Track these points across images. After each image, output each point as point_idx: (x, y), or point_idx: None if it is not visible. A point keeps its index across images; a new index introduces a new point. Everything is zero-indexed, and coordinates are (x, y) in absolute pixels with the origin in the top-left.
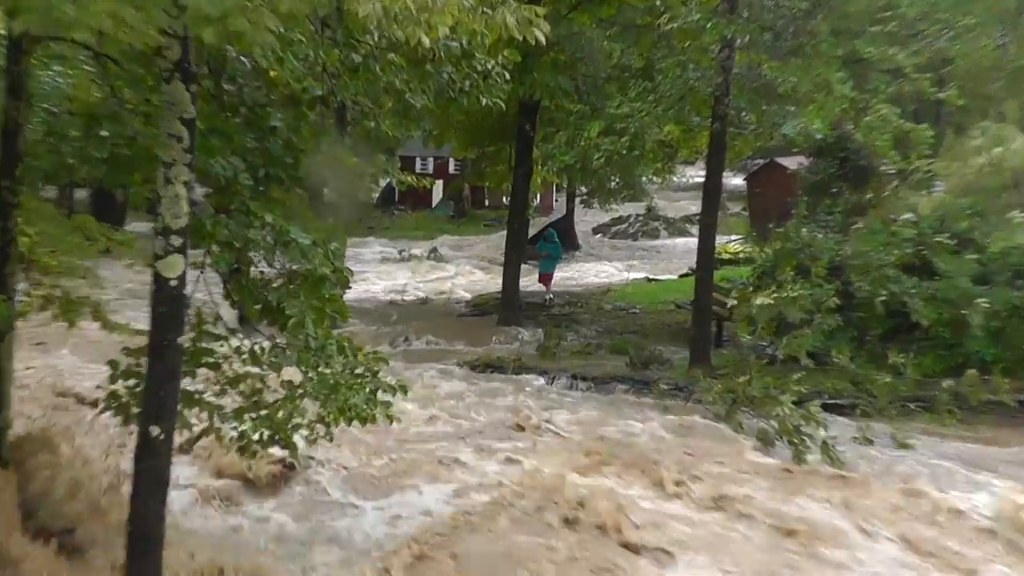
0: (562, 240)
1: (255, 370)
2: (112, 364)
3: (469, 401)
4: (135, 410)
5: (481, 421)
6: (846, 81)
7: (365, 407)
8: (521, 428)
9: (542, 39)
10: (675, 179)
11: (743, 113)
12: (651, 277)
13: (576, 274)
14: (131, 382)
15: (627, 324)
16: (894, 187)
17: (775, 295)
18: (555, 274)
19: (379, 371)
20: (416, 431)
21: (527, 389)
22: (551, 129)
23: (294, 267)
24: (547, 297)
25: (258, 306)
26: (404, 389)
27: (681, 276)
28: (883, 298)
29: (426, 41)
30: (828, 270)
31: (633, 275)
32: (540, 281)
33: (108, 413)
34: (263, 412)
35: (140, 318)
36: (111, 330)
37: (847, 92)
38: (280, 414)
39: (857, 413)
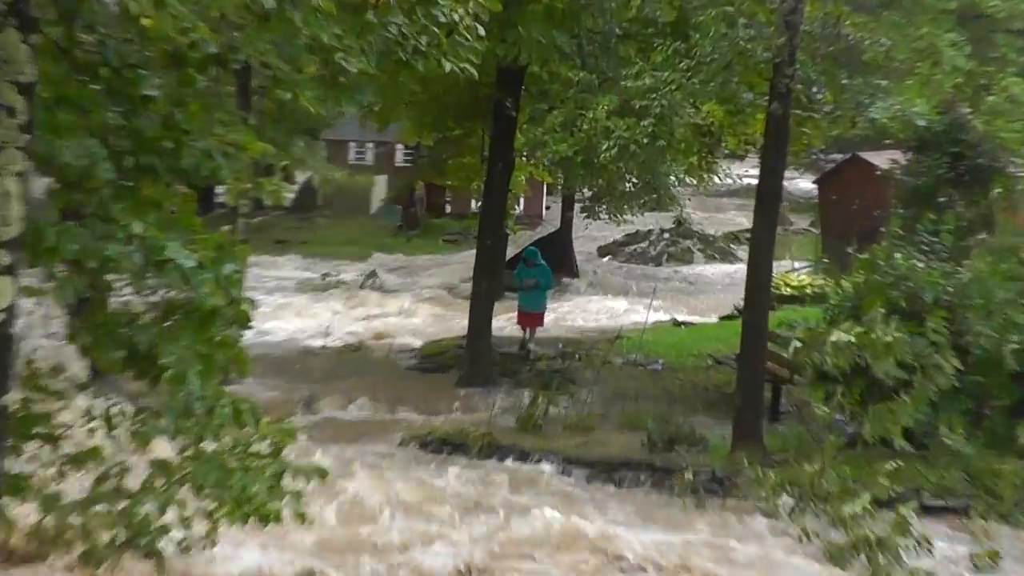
0: (553, 263)
1: (110, 444)
2: None
3: (411, 497)
4: None
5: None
6: (962, 46)
7: (268, 499)
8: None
9: None
10: (717, 180)
11: (815, 89)
12: (680, 320)
13: (573, 313)
14: None
15: (645, 386)
16: None
17: (858, 331)
18: (546, 313)
19: (283, 448)
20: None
21: (494, 479)
22: (542, 107)
23: (172, 297)
24: (528, 348)
25: (119, 352)
26: (323, 473)
27: (723, 319)
28: (1012, 351)
29: None
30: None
31: (655, 316)
32: (521, 323)
33: None
34: (120, 505)
35: None
36: None
37: (962, 62)
38: (144, 508)
39: (973, 518)
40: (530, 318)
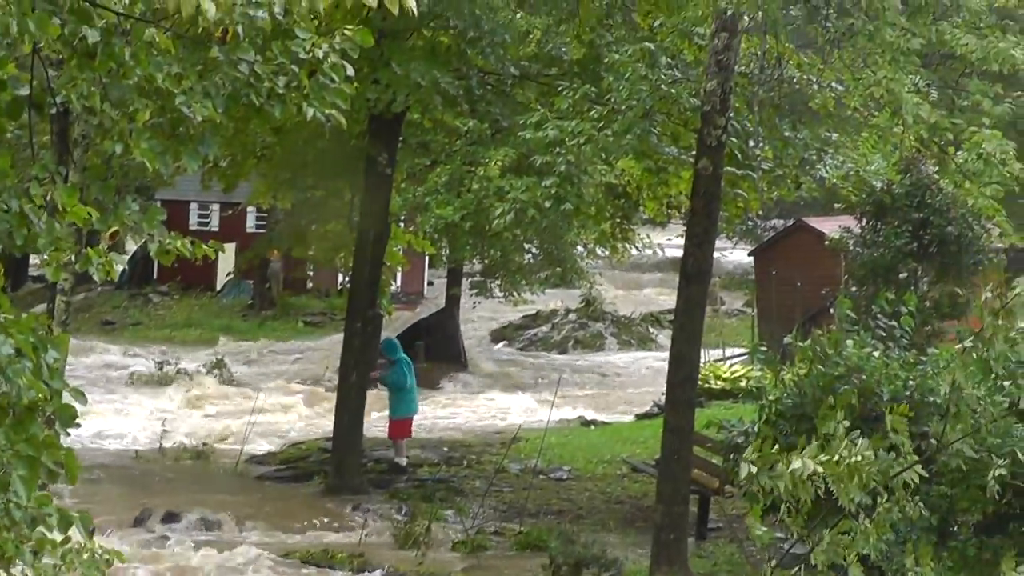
0: (437, 351)
1: None
2: None
3: None
4: None
5: None
6: (926, 93)
7: None
8: None
9: (412, 6)
10: (634, 251)
11: (752, 143)
12: (589, 418)
13: (461, 410)
14: None
15: (547, 499)
16: (1009, 275)
17: (822, 458)
18: (413, 418)
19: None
20: None
21: None
22: (422, 162)
23: None
24: (397, 460)
25: None
26: None
27: (640, 417)
28: (1001, 471)
29: (211, 9)
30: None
31: (559, 414)
32: (400, 435)
33: None
34: None
35: None
36: None
37: (926, 112)
38: None
39: None
40: (407, 425)
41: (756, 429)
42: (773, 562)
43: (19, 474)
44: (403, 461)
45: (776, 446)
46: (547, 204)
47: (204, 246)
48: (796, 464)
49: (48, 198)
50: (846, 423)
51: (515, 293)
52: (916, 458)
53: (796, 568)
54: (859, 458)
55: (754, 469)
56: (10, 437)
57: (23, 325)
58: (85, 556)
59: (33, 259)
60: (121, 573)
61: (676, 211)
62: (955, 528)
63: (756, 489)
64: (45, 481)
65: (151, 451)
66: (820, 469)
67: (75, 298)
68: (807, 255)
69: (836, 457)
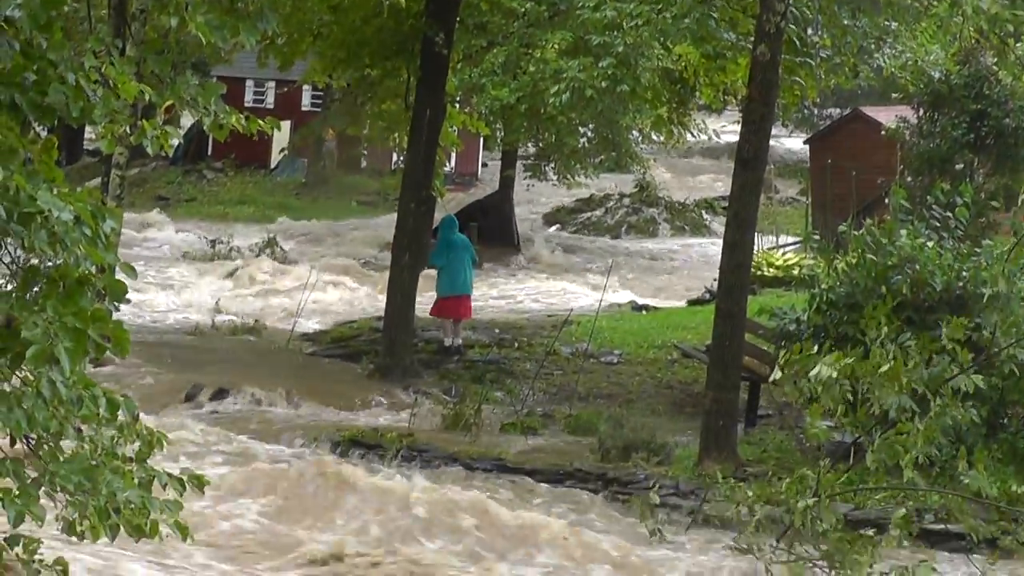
0: (490, 233)
1: None
2: None
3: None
4: None
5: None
6: None
7: (143, 508)
8: None
9: None
10: (689, 137)
11: (810, 30)
12: (641, 303)
13: (513, 292)
14: None
15: (598, 382)
16: None
17: (849, 359)
18: (472, 296)
19: (151, 452)
20: None
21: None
22: (479, 43)
23: (35, 261)
24: (452, 342)
25: None
26: (200, 482)
27: (692, 303)
28: None
29: None
30: (945, 303)
31: (612, 298)
32: (436, 312)
33: None
34: None
35: None
36: None
37: (987, 3)
38: None
39: (985, 549)
40: (451, 305)
41: (807, 317)
42: (827, 457)
43: (64, 346)
44: (448, 341)
45: (825, 338)
46: (603, 85)
47: (259, 122)
48: (816, 370)
49: (103, 71)
50: (885, 327)
51: (569, 176)
52: (970, 362)
53: (846, 460)
54: (886, 367)
55: (785, 372)
56: (58, 310)
57: (78, 197)
58: (126, 436)
59: (88, 133)
60: (171, 448)
61: (732, 98)
62: (1005, 420)
63: (789, 391)
64: (94, 355)
65: (203, 328)
66: (836, 374)
67: (129, 173)
68: (863, 144)
69: (873, 364)
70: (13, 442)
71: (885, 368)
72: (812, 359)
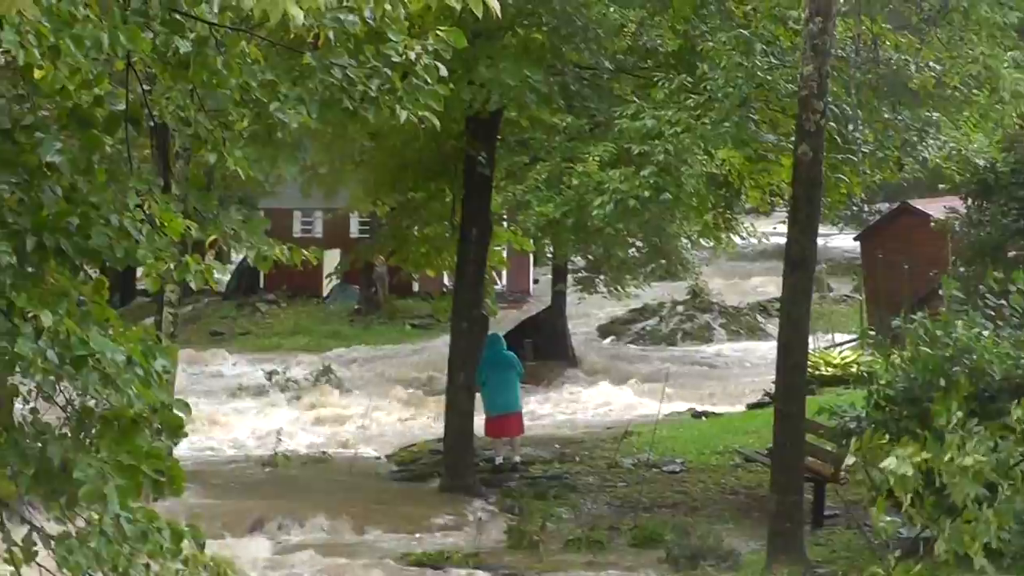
0: (545, 348)
1: None
2: None
3: None
4: None
5: None
6: None
7: None
8: None
9: (496, 7)
10: (738, 241)
11: (851, 126)
12: (700, 410)
13: (571, 407)
14: None
15: (661, 492)
16: None
17: (923, 453)
18: (523, 413)
19: None
20: None
21: None
22: (521, 160)
23: (89, 403)
24: (510, 460)
25: (29, 470)
26: None
27: (752, 407)
28: None
29: (298, 15)
30: (1006, 391)
31: (670, 406)
32: (489, 432)
33: None
34: None
35: None
36: None
37: None
38: None
39: None
40: (498, 423)
41: (866, 414)
42: (897, 552)
43: (115, 485)
44: (499, 460)
45: (887, 432)
46: (645, 194)
47: (302, 252)
48: (892, 464)
49: (147, 210)
50: (959, 413)
51: (620, 288)
52: None
53: (917, 555)
54: (970, 460)
55: (857, 459)
56: (113, 449)
57: (131, 336)
58: (200, 567)
59: (139, 273)
60: None
61: (779, 198)
62: None
63: (862, 481)
64: (151, 493)
65: (264, 459)
66: (909, 472)
67: (183, 310)
68: (913, 237)
69: (949, 455)
70: None
71: (968, 461)
72: (883, 447)
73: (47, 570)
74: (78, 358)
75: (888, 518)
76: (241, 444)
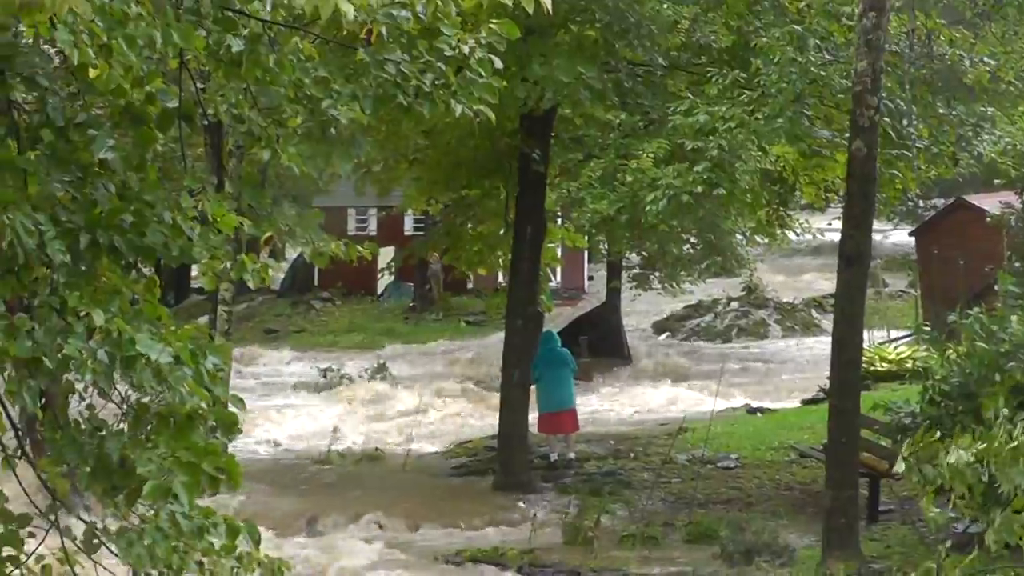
0: (600, 345)
1: None
2: None
3: None
4: None
5: None
6: None
7: None
8: None
9: (548, 4)
10: (792, 237)
11: (906, 121)
12: (755, 406)
13: (626, 404)
14: None
15: (716, 488)
16: None
17: (980, 446)
18: (577, 409)
19: None
20: None
21: None
22: (576, 157)
23: (144, 400)
24: (565, 456)
25: (87, 467)
26: None
27: (806, 403)
28: None
29: (350, 11)
30: None
31: (725, 402)
32: (542, 429)
33: None
34: None
35: None
36: None
37: None
38: None
39: None
40: (552, 420)
41: (921, 409)
42: (948, 543)
43: (180, 481)
44: (553, 456)
45: (940, 429)
46: (699, 190)
47: (358, 247)
48: (952, 458)
49: (200, 208)
50: (1005, 410)
51: (674, 284)
52: None
53: (970, 549)
54: (1018, 445)
55: (908, 462)
56: (171, 445)
57: (183, 335)
58: (255, 564)
59: (194, 271)
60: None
61: (834, 194)
62: None
63: (917, 480)
64: (207, 489)
65: (318, 456)
66: (972, 459)
67: (237, 308)
68: (968, 233)
69: (996, 444)
70: None
71: (1013, 445)
72: (936, 446)
73: (102, 567)
74: (128, 358)
75: (937, 510)
76: (295, 441)
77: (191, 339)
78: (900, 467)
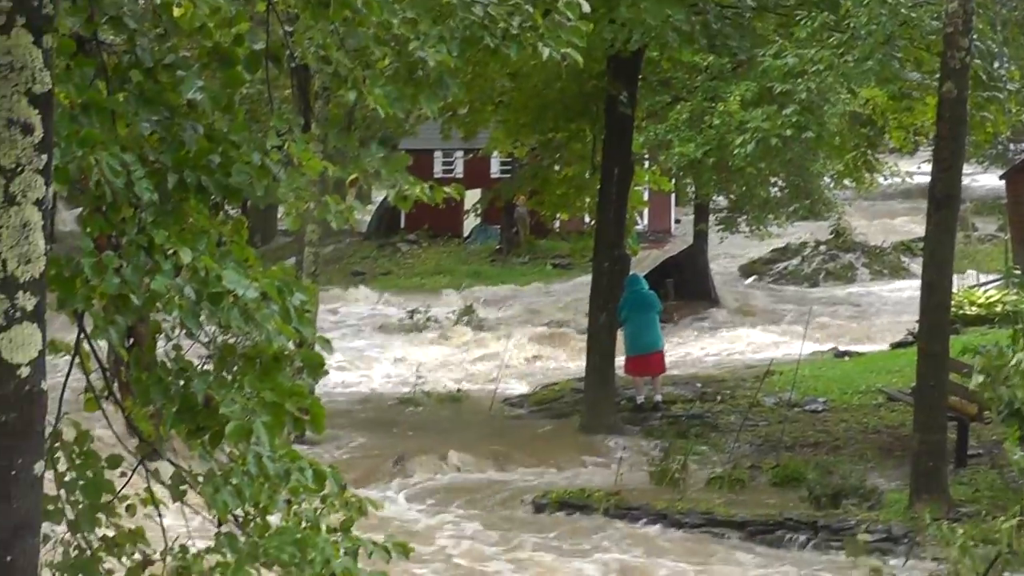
0: (687, 288)
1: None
2: None
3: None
4: None
5: None
6: None
7: None
8: None
9: None
10: (881, 180)
11: (997, 63)
12: (843, 350)
13: (713, 347)
14: None
15: (803, 431)
16: None
17: None
18: (665, 351)
19: (355, 520)
20: None
21: (627, 542)
22: (663, 99)
23: (230, 339)
24: (652, 399)
25: (172, 407)
26: (405, 550)
27: (895, 347)
28: None
29: None
30: None
31: (812, 346)
32: (629, 371)
33: None
34: None
35: None
36: None
37: None
38: None
39: None
40: (640, 363)
41: (1011, 352)
42: None
43: (263, 421)
44: (640, 399)
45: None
46: (788, 133)
47: (444, 189)
48: (1015, 360)
49: (286, 150)
50: None
51: (762, 227)
52: None
53: None
54: None
55: (983, 378)
56: (256, 386)
57: (271, 275)
58: (332, 506)
59: (281, 213)
60: (379, 518)
61: (923, 138)
62: None
63: (991, 399)
64: (293, 431)
65: (406, 397)
66: None
67: (324, 250)
68: None
69: None
70: (220, 524)
71: None
72: (1009, 367)
73: (191, 508)
74: (215, 294)
75: (1022, 453)
76: (381, 383)
77: (277, 278)
78: (975, 380)
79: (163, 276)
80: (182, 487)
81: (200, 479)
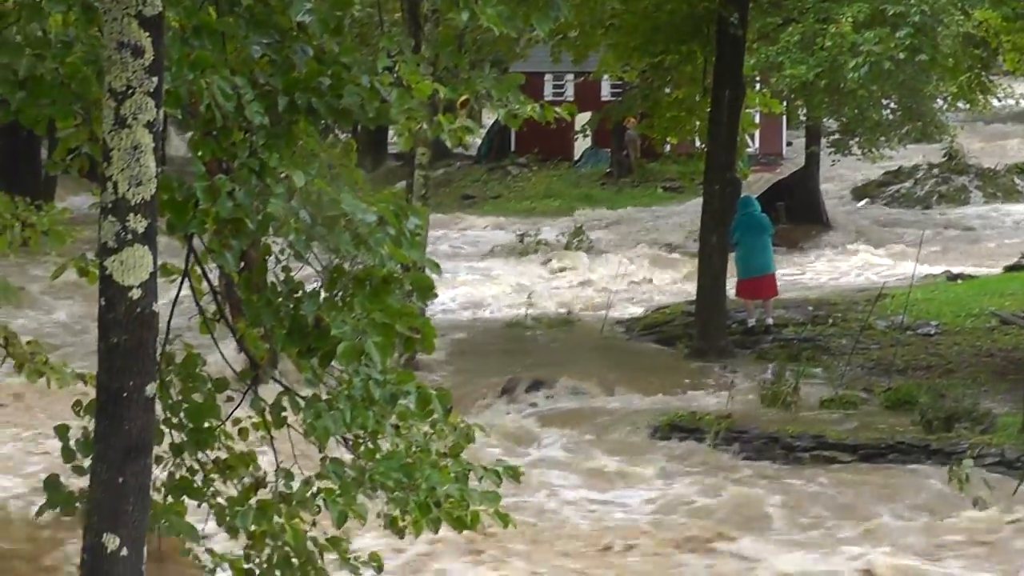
0: (799, 211)
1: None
2: (60, 430)
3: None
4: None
5: None
6: None
7: (462, 501)
8: None
9: None
10: (995, 103)
11: None
12: (956, 272)
13: (825, 269)
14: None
15: (916, 354)
16: None
17: None
18: (777, 275)
19: (465, 446)
20: None
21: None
22: (774, 21)
23: (343, 263)
24: (763, 322)
25: (283, 329)
26: (515, 473)
27: (1009, 269)
28: None
29: None
30: None
31: (925, 269)
32: (741, 294)
33: (51, 513)
34: (278, 519)
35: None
36: (62, 382)
37: None
38: (302, 525)
39: None
40: (751, 286)
41: None
42: None
43: (374, 341)
44: (751, 322)
45: None
46: (901, 56)
47: (555, 109)
48: None
49: (397, 72)
50: None
51: (874, 150)
52: None
53: None
54: None
55: None
56: (366, 307)
57: (382, 198)
58: (441, 431)
59: (391, 137)
60: (488, 440)
61: None
62: None
63: None
64: (403, 351)
65: (516, 321)
66: None
67: (434, 173)
68: None
69: None
70: (322, 450)
71: None
72: None
73: (297, 430)
74: (330, 218)
75: None
76: (491, 306)
77: (390, 202)
78: None
79: (277, 200)
80: (284, 414)
81: (301, 407)
